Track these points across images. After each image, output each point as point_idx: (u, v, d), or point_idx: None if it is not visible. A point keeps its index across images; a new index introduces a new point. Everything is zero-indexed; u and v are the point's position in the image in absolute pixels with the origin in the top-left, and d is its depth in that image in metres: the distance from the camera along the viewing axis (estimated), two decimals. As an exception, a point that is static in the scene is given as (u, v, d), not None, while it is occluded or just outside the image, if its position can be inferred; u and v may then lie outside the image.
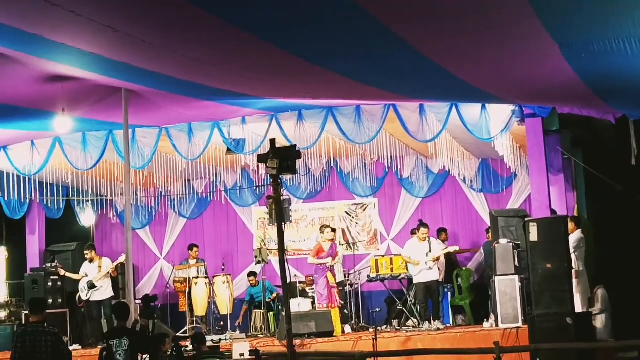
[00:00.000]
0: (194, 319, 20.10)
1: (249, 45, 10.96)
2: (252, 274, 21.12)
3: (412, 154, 20.93)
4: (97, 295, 19.74)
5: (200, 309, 20.28)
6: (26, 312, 19.77)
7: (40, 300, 13.71)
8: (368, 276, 19.44)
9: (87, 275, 19.84)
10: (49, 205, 21.61)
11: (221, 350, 15.45)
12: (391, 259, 19.01)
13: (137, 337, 12.55)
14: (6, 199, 19.89)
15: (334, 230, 19.02)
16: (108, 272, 19.82)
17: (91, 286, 19.68)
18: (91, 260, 20.02)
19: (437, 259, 18.50)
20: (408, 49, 10.91)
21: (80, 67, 12.74)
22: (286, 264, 11.77)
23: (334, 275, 18.45)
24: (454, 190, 21.84)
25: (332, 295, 18.14)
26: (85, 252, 20.20)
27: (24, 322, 19.00)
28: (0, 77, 12.27)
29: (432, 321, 17.81)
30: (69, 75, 13.16)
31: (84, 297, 19.73)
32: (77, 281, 20.27)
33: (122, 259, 20.20)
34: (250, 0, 8.98)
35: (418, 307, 18.33)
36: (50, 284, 20.12)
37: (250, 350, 14.81)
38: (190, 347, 16.56)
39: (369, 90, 14.50)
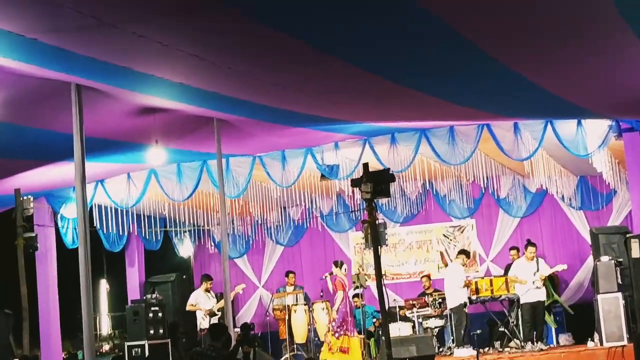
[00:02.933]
0: (295, 346, 20.05)
1: (339, 70, 10.92)
2: (356, 295, 20.99)
3: (509, 174, 20.65)
4: (215, 324, 19.86)
5: (300, 336, 20.23)
6: (129, 343, 20.00)
7: (221, 326, 13.82)
8: (468, 298, 19.18)
9: (195, 305, 19.93)
10: (147, 237, 21.82)
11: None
12: (491, 280, 18.73)
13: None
14: (105, 232, 20.09)
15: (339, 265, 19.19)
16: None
17: (212, 314, 19.77)
18: (207, 290, 20.12)
19: (545, 279, 18.23)
20: (500, 67, 10.78)
21: (171, 98, 12.83)
22: (384, 288, 11.66)
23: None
24: (553, 209, 21.49)
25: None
26: (210, 282, 20.34)
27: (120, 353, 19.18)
28: (94, 112, 12.37)
29: (535, 342, 17.51)
30: (161, 106, 13.27)
31: (205, 326, 19.78)
32: (180, 312, 20.41)
33: (239, 288, 20.36)
34: (339, 24, 8.93)
35: (522, 328, 18.05)
36: (151, 315, 20.23)
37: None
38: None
39: (462, 111, 14.36)
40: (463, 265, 18.96)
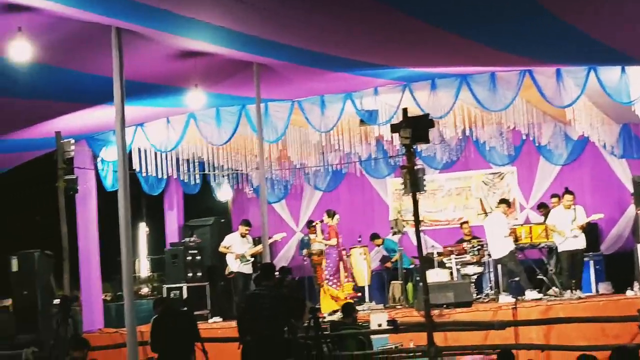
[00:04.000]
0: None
1: (380, 14, 10.82)
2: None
3: (550, 121, 20.43)
4: (245, 269, 19.92)
5: (338, 281, 20.31)
6: (168, 286, 20.17)
7: (272, 266, 14.02)
8: (507, 246, 19.15)
9: (229, 248, 20.01)
10: (186, 180, 21.87)
11: (359, 320, 15.45)
12: (530, 227, 18.65)
13: (282, 300, 12.79)
14: (144, 175, 20.18)
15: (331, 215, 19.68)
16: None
17: (242, 259, 19.86)
18: (243, 235, 20.21)
19: (583, 227, 18.10)
20: (542, 11, 10.62)
21: (211, 41, 12.82)
22: (422, 234, 11.64)
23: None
24: (594, 157, 21.27)
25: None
26: (247, 227, 20.33)
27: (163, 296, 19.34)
28: (134, 55, 12.38)
29: (574, 290, 17.46)
30: (201, 50, 13.27)
31: (234, 269, 19.89)
32: (218, 255, 20.53)
33: (278, 236, 20.40)
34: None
35: (561, 276, 17.99)
36: (189, 258, 20.42)
37: (388, 321, 14.74)
38: (327, 318, 16.71)
39: (504, 57, 14.21)
40: (504, 214, 18.87)
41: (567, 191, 18.47)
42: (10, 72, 12.27)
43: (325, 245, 19.18)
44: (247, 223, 20.47)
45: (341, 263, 19.15)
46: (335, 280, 18.81)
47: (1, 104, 14.24)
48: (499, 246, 18.38)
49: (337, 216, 19.58)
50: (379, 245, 21.68)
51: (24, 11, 10.65)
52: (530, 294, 17.77)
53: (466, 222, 20.91)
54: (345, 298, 18.18)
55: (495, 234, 18.46)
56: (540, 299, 17.41)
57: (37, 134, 16.71)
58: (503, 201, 19.31)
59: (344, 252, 19.52)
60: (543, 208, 20.06)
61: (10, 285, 18.72)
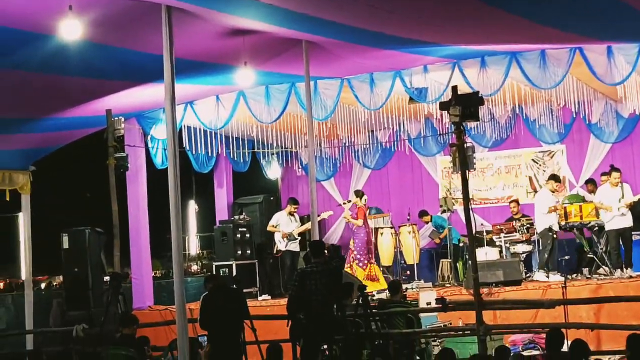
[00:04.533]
0: (381, 268, 20.15)
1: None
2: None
3: (601, 99, 20.24)
4: (292, 247, 20.03)
5: (386, 259, 20.37)
6: (217, 263, 20.27)
7: (321, 243, 14.15)
8: (558, 224, 19.01)
9: (276, 226, 20.09)
10: (235, 158, 21.98)
11: (408, 299, 15.46)
12: (580, 206, 18.49)
13: (333, 277, 12.82)
14: (194, 153, 20.31)
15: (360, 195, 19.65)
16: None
17: (290, 238, 19.94)
18: (291, 213, 20.27)
19: (631, 205, 17.92)
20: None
21: (260, 19, 12.84)
22: (472, 212, 11.60)
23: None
24: (646, 135, 21.07)
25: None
26: (295, 205, 20.45)
27: (214, 273, 19.46)
28: (183, 33, 12.43)
29: (625, 269, 17.33)
30: (250, 28, 13.29)
31: (282, 248, 19.99)
32: (267, 233, 20.64)
33: (325, 214, 20.44)
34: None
35: (610, 255, 17.86)
36: (239, 235, 20.50)
37: (436, 299, 14.72)
38: (376, 296, 16.72)
39: (554, 33, 14.11)
40: (553, 191, 18.75)
41: (614, 168, 18.29)
42: (61, 50, 12.39)
43: (354, 225, 19.16)
44: (294, 201, 20.55)
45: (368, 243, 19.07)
46: (364, 260, 18.76)
47: (52, 82, 14.36)
48: (539, 222, 18.35)
49: (365, 197, 19.59)
50: (427, 222, 21.66)
51: (75, -11, 10.73)
52: (538, 275, 17.94)
53: (515, 201, 20.77)
54: (364, 278, 18.10)
55: (538, 210, 18.43)
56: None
57: (88, 111, 16.84)
58: (552, 177, 19.19)
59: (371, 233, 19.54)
60: (590, 184, 19.88)
61: (62, 262, 18.91)
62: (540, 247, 18.44)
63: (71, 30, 11.41)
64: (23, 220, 19.43)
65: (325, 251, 13.89)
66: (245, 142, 21.49)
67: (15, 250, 22.79)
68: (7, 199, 18.55)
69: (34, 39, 12.16)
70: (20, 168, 18.72)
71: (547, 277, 17.73)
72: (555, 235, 18.30)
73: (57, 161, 21.12)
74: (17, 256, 22.36)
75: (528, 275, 18.55)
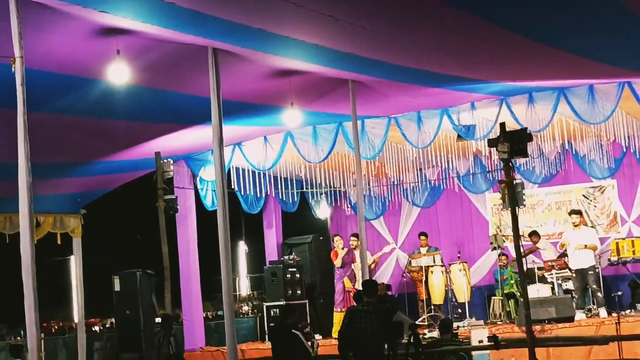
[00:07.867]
0: (432, 307, 20.04)
1: (476, 28, 10.79)
2: (502, 253, 20.81)
3: (652, 132, 20.11)
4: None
5: (437, 297, 20.28)
6: (268, 304, 20.26)
7: (374, 282, 14.04)
8: (609, 260, 18.84)
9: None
10: (284, 199, 22.03)
11: (460, 337, 15.35)
12: (633, 241, 18.36)
13: (384, 317, 12.77)
14: (243, 194, 20.37)
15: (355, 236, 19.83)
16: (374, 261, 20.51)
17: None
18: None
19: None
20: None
21: (306, 59, 12.90)
22: (522, 249, 11.53)
23: (350, 280, 19.67)
24: (698, 168, 20.85)
25: (347, 299, 19.24)
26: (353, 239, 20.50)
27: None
28: (230, 75, 12.51)
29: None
30: (296, 69, 13.36)
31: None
32: (317, 272, 20.68)
33: (386, 248, 20.46)
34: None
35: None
36: (289, 275, 20.48)
37: (488, 337, 14.59)
38: (428, 335, 16.62)
39: (602, 68, 14.04)
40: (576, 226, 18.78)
41: None
42: (109, 94, 12.51)
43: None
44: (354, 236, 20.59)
45: None
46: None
47: (102, 126, 14.50)
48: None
49: (337, 238, 20.36)
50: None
51: (121, 34, 10.82)
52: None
53: (566, 237, 20.58)
54: None
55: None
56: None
57: (137, 154, 16.96)
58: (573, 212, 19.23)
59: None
60: None
61: (113, 304, 18.99)
62: (594, 285, 18.24)
63: (119, 74, 11.51)
64: (75, 263, 19.56)
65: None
66: (294, 182, 21.53)
67: (67, 293, 22.91)
68: (59, 242, 18.70)
69: (83, 84, 12.30)
70: (71, 212, 18.87)
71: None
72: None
73: (108, 204, 21.26)
74: (69, 299, 22.48)
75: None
